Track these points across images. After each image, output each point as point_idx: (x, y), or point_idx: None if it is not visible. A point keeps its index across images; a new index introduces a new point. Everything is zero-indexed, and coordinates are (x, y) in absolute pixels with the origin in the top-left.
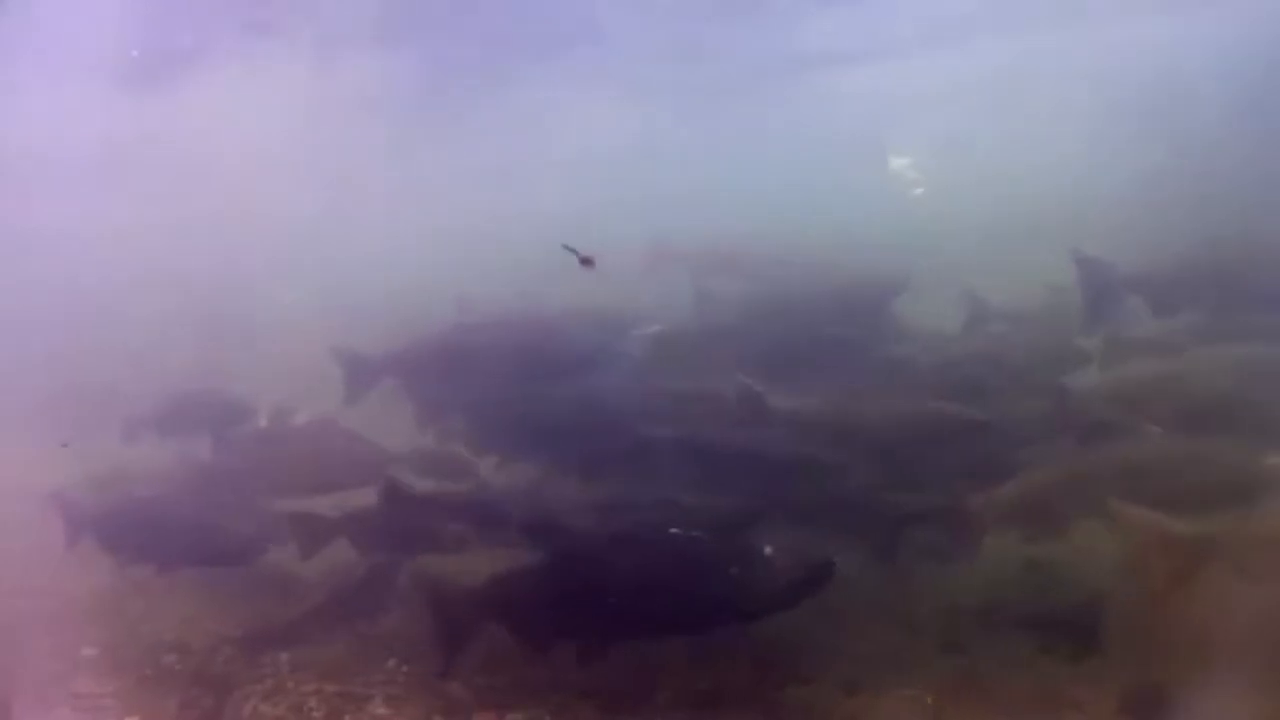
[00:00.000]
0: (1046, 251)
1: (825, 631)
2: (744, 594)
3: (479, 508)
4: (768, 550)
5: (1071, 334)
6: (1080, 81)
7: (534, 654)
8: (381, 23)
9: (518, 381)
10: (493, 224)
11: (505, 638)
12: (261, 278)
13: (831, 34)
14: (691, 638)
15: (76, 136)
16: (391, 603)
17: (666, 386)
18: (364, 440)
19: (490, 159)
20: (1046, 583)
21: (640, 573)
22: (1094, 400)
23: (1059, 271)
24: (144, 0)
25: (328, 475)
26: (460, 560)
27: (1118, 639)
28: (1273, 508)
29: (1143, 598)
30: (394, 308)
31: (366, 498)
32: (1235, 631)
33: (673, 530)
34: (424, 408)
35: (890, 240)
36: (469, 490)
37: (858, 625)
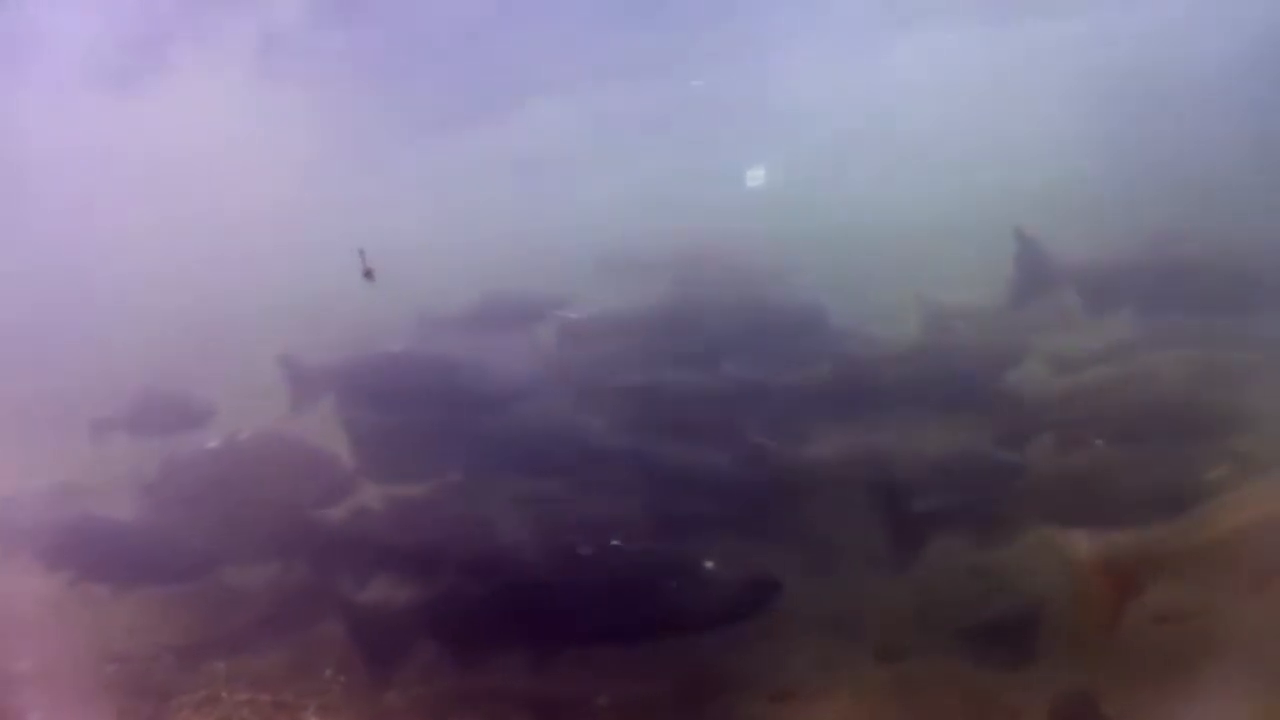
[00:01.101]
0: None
1: (760, 639)
2: (684, 609)
3: (420, 520)
4: (709, 565)
5: (1017, 335)
6: (1031, 76)
7: (471, 664)
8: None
9: (452, 403)
10: (455, 228)
11: (443, 647)
12: (217, 283)
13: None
14: (623, 648)
15: (35, 138)
16: (332, 613)
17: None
18: (313, 453)
19: (459, 163)
20: (987, 590)
21: (580, 585)
22: (1038, 407)
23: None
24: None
25: (277, 489)
26: (401, 572)
27: (1053, 647)
28: (1210, 515)
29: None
30: (351, 318)
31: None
32: (1170, 638)
33: (614, 542)
34: (363, 424)
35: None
36: (411, 502)
37: (794, 633)
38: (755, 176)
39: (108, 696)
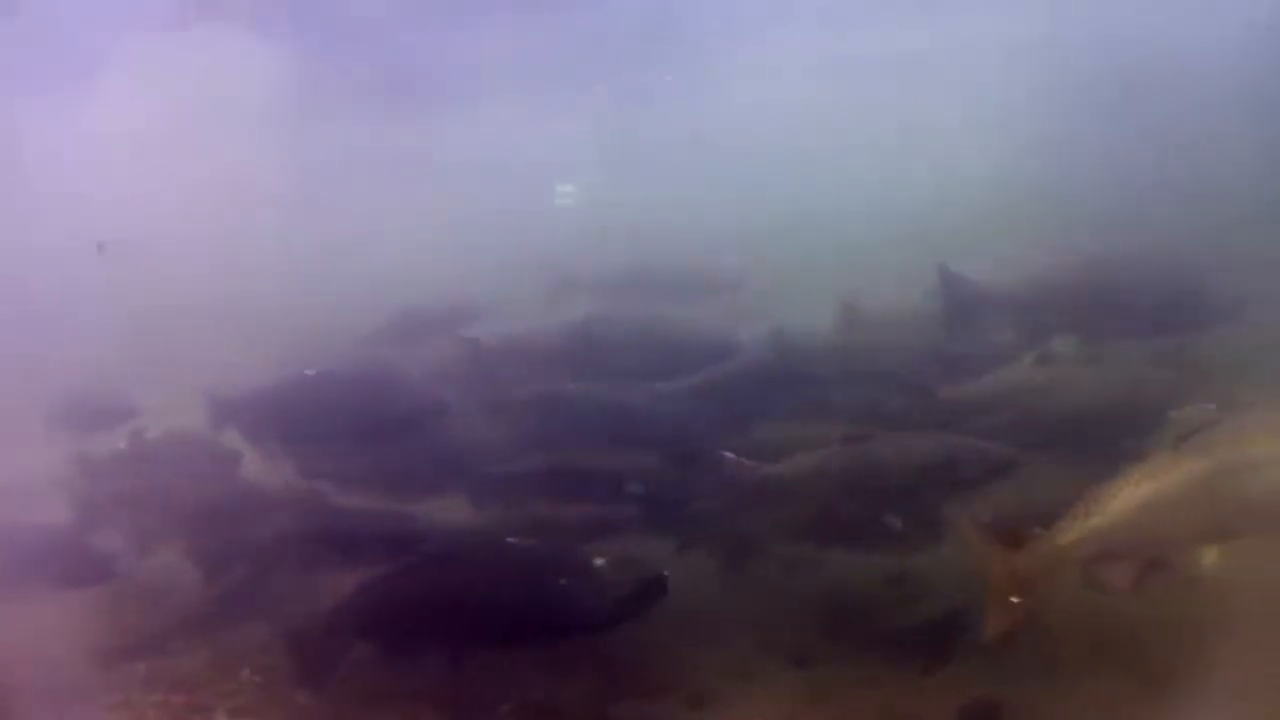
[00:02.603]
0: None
1: (674, 643)
2: (573, 607)
3: (330, 525)
4: (598, 562)
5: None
6: (957, 84)
7: (382, 665)
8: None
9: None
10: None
11: (356, 649)
12: (150, 284)
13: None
14: (532, 648)
15: None
16: (251, 615)
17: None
18: (230, 456)
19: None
20: (905, 596)
21: (476, 584)
22: (957, 413)
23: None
24: None
25: (195, 492)
26: (314, 574)
27: (967, 653)
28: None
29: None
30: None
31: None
32: (1081, 645)
33: (509, 539)
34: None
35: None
36: (322, 507)
37: (707, 637)
38: (565, 194)
39: (17, 699)
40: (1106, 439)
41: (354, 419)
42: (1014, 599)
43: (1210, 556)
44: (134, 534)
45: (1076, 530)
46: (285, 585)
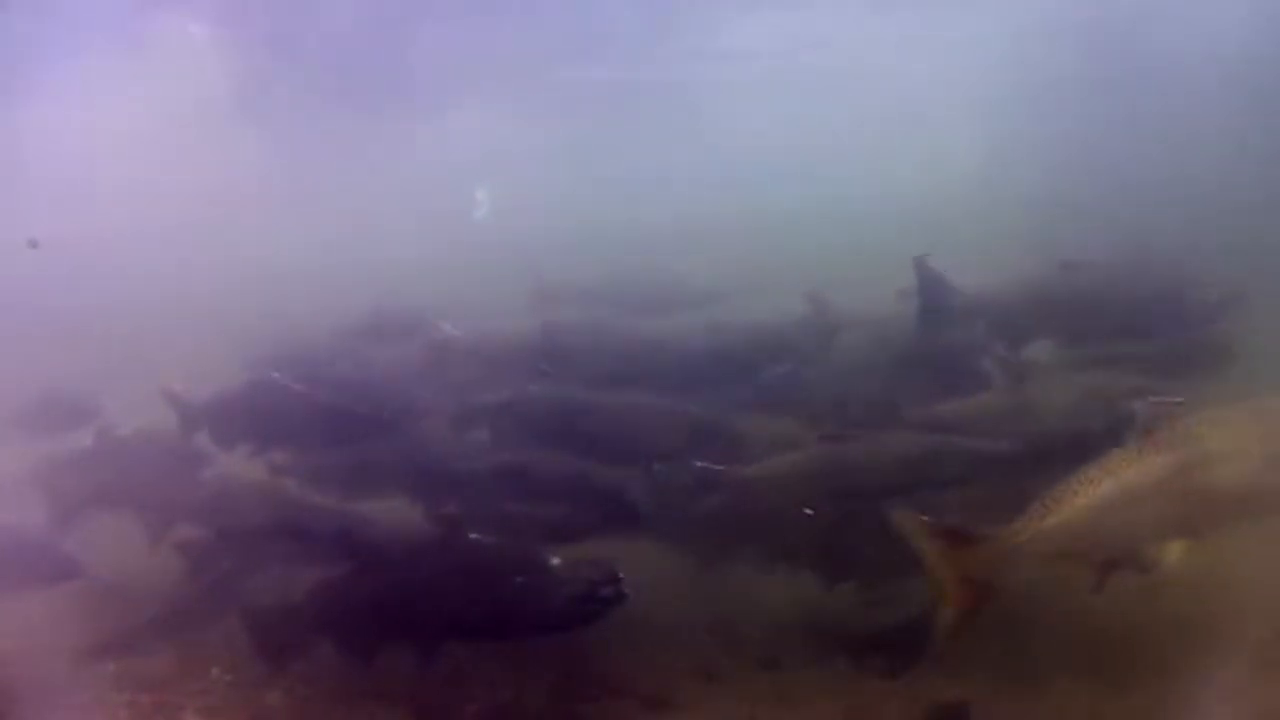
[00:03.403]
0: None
1: (641, 645)
2: (527, 605)
3: (293, 521)
4: (555, 562)
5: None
6: (940, 83)
7: (348, 665)
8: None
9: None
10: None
11: (324, 648)
12: (114, 281)
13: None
14: (486, 645)
15: None
16: (223, 614)
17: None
18: (197, 455)
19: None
20: (870, 600)
21: (433, 578)
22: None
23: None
24: None
25: (157, 490)
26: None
27: (933, 657)
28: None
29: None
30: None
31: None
32: (1051, 647)
33: (472, 535)
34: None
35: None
36: (285, 504)
37: (674, 639)
38: (480, 204)
39: None
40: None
41: (319, 419)
42: (964, 602)
43: (1175, 553)
44: (102, 533)
45: (1031, 529)
46: (251, 582)
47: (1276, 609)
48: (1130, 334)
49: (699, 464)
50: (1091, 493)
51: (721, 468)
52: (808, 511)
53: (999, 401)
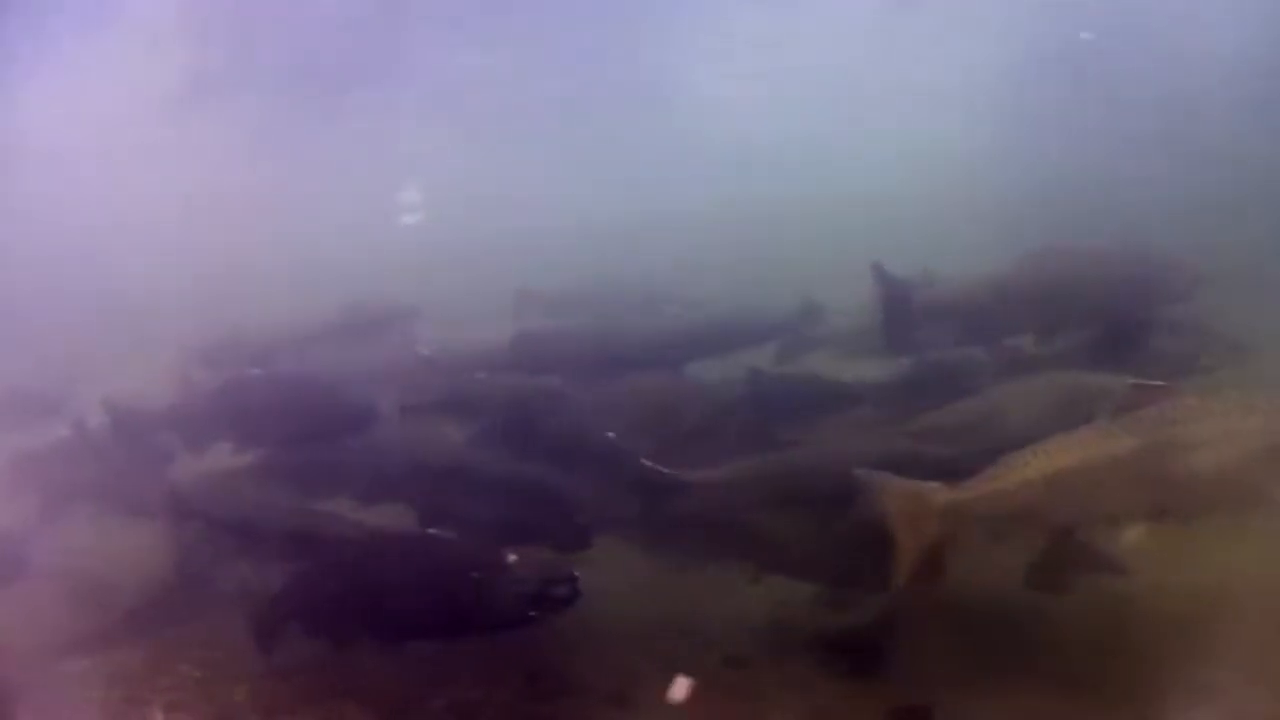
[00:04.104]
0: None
1: (605, 643)
2: (481, 601)
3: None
4: (512, 559)
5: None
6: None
7: (313, 662)
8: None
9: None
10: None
11: (291, 645)
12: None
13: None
14: (441, 642)
15: None
16: (196, 611)
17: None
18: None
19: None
20: (839, 600)
21: (390, 572)
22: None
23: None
24: None
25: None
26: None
27: (896, 660)
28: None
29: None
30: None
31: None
32: (1015, 651)
33: (430, 531)
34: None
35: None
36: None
37: (639, 637)
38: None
39: None
40: None
41: (284, 417)
42: (921, 559)
43: (1134, 535)
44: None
45: (991, 487)
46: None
47: (1248, 610)
48: (1100, 319)
49: (647, 464)
50: (1055, 460)
51: (667, 470)
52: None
53: (978, 408)
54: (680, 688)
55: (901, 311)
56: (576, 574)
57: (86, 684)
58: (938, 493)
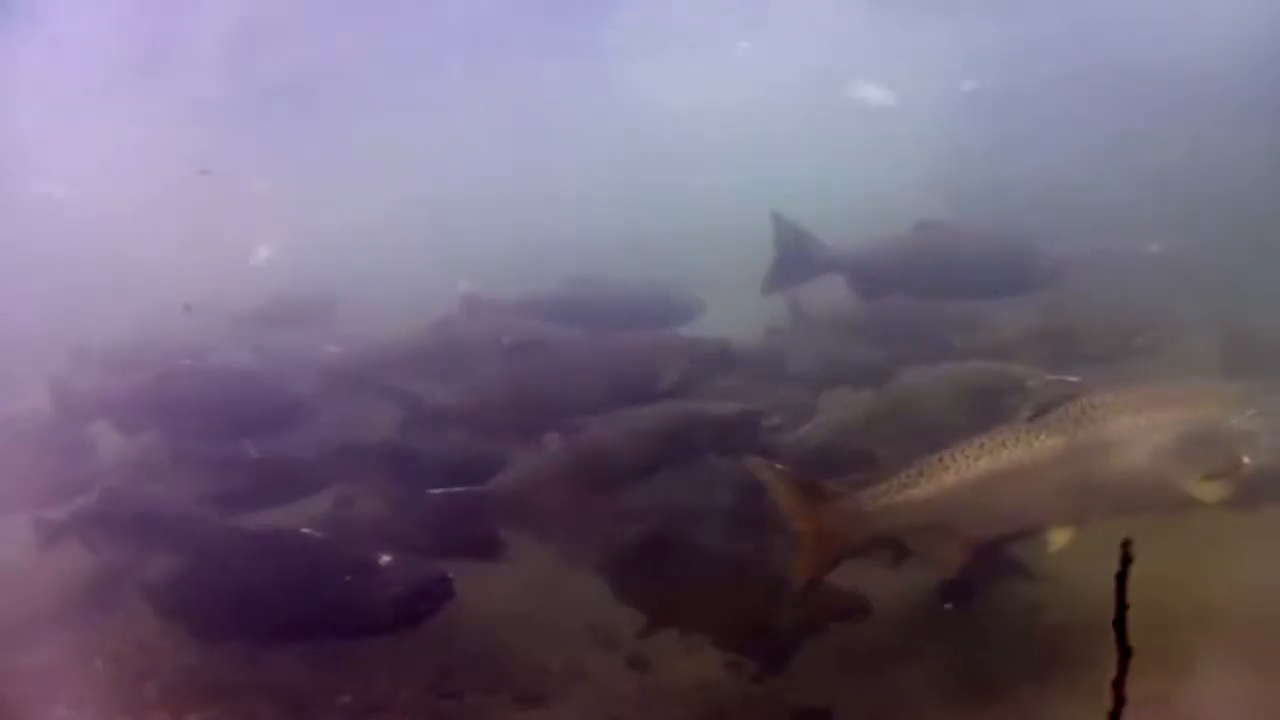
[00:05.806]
0: None
1: (510, 641)
2: (349, 603)
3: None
4: (384, 560)
5: None
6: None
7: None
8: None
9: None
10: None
11: (192, 638)
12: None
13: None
14: (312, 643)
15: None
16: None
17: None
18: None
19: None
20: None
21: (262, 572)
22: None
23: None
24: None
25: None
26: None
27: (803, 661)
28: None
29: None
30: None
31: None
32: (921, 657)
33: (303, 530)
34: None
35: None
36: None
37: (545, 636)
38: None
39: None
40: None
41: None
42: (817, 557)
43: (1059, 540)
44: None
45: (887, 498)
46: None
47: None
48: (977, 292)
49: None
50: (968, 466)
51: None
52: None
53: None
54: None
55: (795, 257)
56: (450, 575)
57: None
58: (842, 495)
